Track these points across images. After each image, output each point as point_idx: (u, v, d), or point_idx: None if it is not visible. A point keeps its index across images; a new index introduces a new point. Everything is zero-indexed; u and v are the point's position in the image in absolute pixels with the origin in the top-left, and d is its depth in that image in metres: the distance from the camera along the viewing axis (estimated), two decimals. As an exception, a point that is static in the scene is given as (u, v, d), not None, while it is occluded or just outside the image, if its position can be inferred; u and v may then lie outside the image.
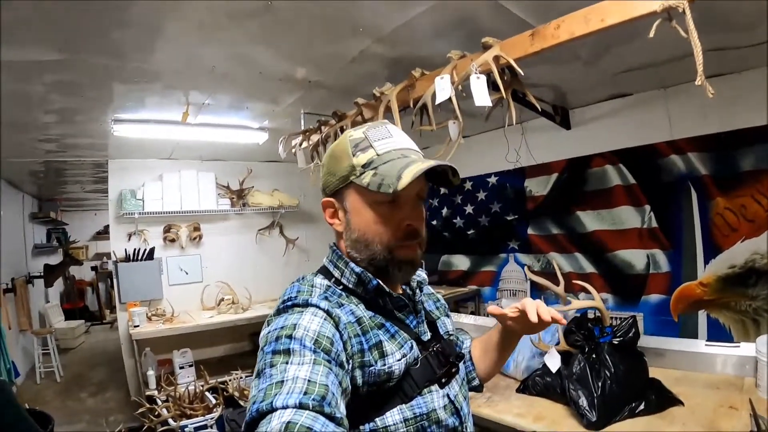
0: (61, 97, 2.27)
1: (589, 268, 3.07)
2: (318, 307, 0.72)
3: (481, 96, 1.59)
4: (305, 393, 0.57)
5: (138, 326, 3.38)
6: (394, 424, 0.71)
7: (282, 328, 0.68)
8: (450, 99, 1.67)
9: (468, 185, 3.89)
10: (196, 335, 3.50)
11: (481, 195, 3.80)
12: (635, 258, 2.84)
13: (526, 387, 1.86)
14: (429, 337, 0.84)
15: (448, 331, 0.92)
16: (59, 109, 2.43)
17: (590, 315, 1.90)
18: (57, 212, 6.45)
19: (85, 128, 2.84)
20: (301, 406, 0.55)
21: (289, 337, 0.65)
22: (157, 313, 3.63)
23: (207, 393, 2.54)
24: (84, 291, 8.33)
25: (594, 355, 1.63)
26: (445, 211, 4.09)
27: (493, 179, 3.71)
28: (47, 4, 1.39)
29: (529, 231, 3.45)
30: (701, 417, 1.47)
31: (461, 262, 3.99)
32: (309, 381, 0.59)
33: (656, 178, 2.72)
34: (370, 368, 0.71)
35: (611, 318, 1.85)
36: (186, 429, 2.19)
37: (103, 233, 7.79)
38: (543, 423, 1.59)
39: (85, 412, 3.93)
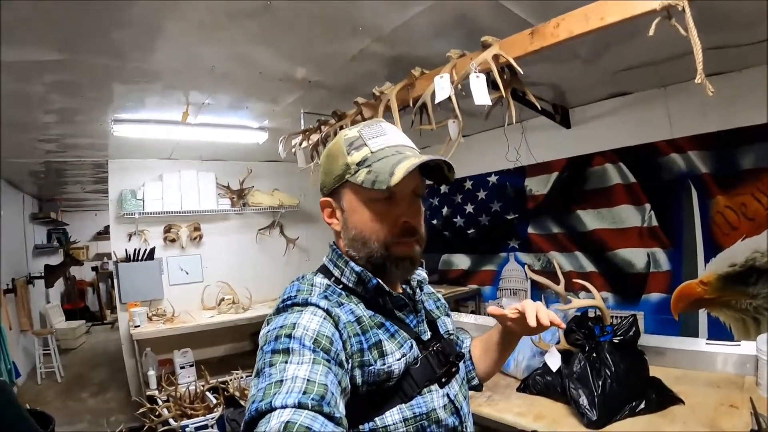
0: (61, 97, 2.27)
1: (590, 266, 3.07)
2: (317, 306, 0.72)
3: (481, 95, 1.58)
4: (304, 392, 0.57)
5: (139, 326, 3.38)
6: (393, 424, 0.71)
7: (281, 327, 0.68)
8: (449, 98, 1.67)
9: (468, 184, 3.89)
10: (196, 335, 3.50)
11: (482, 194, 3.80)
12: (635, 257, 2.84)
13: (527, 386, 1.86)
14: (429, 336, 0.84)
15: (448, 331, 0.92)
16: (59, 109, 2.43)
17: (591, 314, 1.90)
18: (57, 212, 6.45)
19: (85, 128, 2.84)
20: (300, 406, 0.55)
21: (289, 336, 0.65)
22: (158, 313, 3.63)
23: (208, 393, 2.55)
24: (84, 291, 8.34)
25: (594, 354, 1.63)
26: (445, 210, 4.09)
27: (493, 178, 3.71)
28: (47, 4, 1.39)
29: (530, 230, 3.45)
30: (702, 416, 1.47)
31: (462, 261, 3.99)
32: (308, 380, 0.59)
33: (656, 176, 2.72)
34: (370, 368, 0.71)
35: (612, 317, 1.85)
36: (187, 429, 2.19)
37: (104, 233, 7.79)
38: (543, 422, 1.59)
39: (86, 413, 3.93)
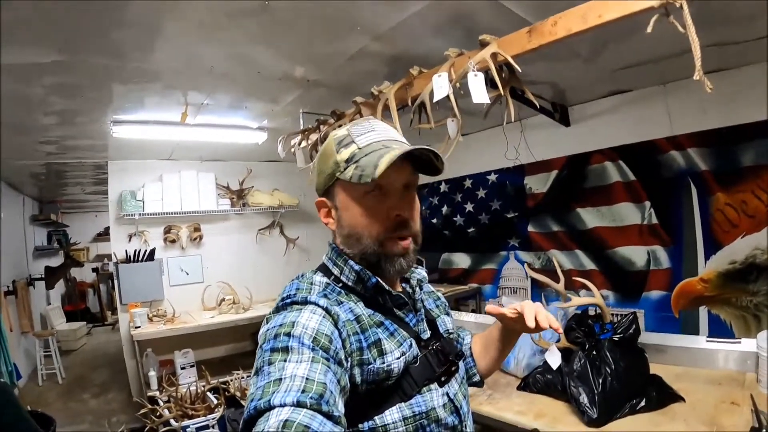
0: (61, 99, 2.27)
1: (590, 264, 3.07)
2: (317, 304, 0.72)
3: (479, 93, 1.58)
4: (303, 391, 0.57)
5: (139, 327, 3.38)
6: (393, 423, 0.71)
7: (281, 325, 0.67)
8: (448, 97, 1.67)
9: (468, 183, 3.89)
10: (197, 335, 3.50)
11: (481, 193, 3.80)
12: (636, 254, 2.84)
13: (527, 384, 1.86)
14: (428, 335, 0.84)
15: (447, 330, 0.92)
16: (59, 110, 2.43)
17: (591, 312, 1.90)
18: (57, 214, 6.46)
19: (85, 130, 2.84)
20: (298, 404, 0.55)
21: (288, 334, 0.65)
22: (158, 313, 3.63)
23: (208, 393, 2.55)
24: (85, 293, 8.35)
25: (595, 352, 1.63)
26: (445, 209, 4.09)
27: (492, 177, 3.71)
28: (47, 4, 1.39)
29: (530, 228, 3.45)
30: (702, 413, 1.47)
31: (462, 260, 3.99)
32: (307, 379, 0.59)
33: (656, 174, 2.72)
34: (369, 366, 0.71)
35: (612, 315, 1.85)
36: (188, 429, 2.19)
37: (104, 235, 7.79)
38: (544, 420, 1.59)
39: (88, 414, 3.94)
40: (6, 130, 2.55)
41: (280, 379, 0.59)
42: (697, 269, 2.55)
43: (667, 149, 2.66)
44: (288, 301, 0.74)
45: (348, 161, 0.75)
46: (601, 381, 1.54)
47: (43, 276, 5.83)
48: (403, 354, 0.75)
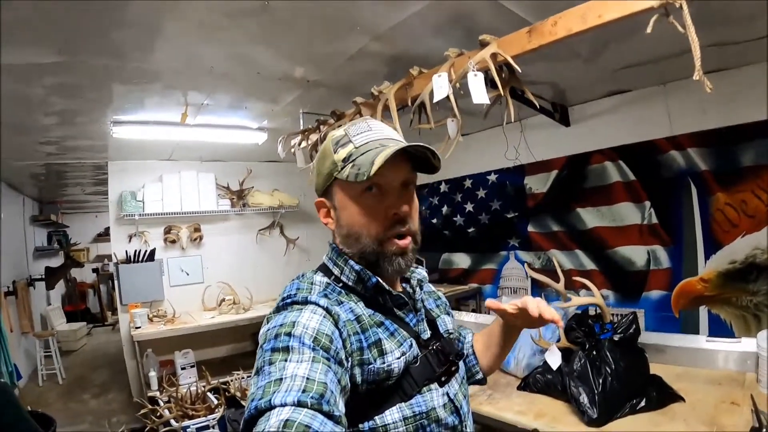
0: (61, 99, 2.27)
1: (590, 264, 3.07)
2: (317, 304, 0.72)
3: (479, 94, 1.58)
4: (304, 391, 0.57)
5: (139, 327, 3.38)
6: (393, 423, 0.71)
7: (281, 325, 0.68)
8: (448, 97, 1.67)
9: (468, 183, 3.89)
10: (197, 336, 3.50)
11: (481, 193, 3.80)
12: (636, 254, 2.84)
13: (527, 384, 1.86)
14: (429, 335, 0.84)
15: (448, 330, 0.92)
16: (59, 111, 2.43)
17: (591, 312, 1.90)
18: (58, 215, 6.46)
19: (85, 130, 2.84)
20: (299, 404, 0.55)
21: (288, 334, 0.65)
22: (159, 314, 3.63)
23: (209, 393, 2.55)
24: (85, 293, 8.35)
25: (595, 352, 1.63)
26: (445, 209, 4.09)
27: (492, 177, 3.71)
28: (47, 4, 1.40)
29: (530, 228, 3.45)
30: (702, 413, 1.47)
31: (462, 260, 3.99)
32: (308, 379, 0.59)
33: (656, 174, 2.72)
34: (369, 366, 0.71)
35: (612, 314, 1.85)
36: (188, 430, 2.19)
37: (104, 235, 7.80)
38: (544, 420, 1.59)
39: (88, 414, 3.93)
40: (6, 130, 2.55)
41: (281, 379, 0.59)
42: (697, 269, 2.56)
43: (667, 149, 2.66)
44: (288, 301, 0.74)
45: (345, 161, 0.76)
46: (601, 381, 1.54)
47: (44, 276, 5.83)
48: (403, 354, 0.75)
